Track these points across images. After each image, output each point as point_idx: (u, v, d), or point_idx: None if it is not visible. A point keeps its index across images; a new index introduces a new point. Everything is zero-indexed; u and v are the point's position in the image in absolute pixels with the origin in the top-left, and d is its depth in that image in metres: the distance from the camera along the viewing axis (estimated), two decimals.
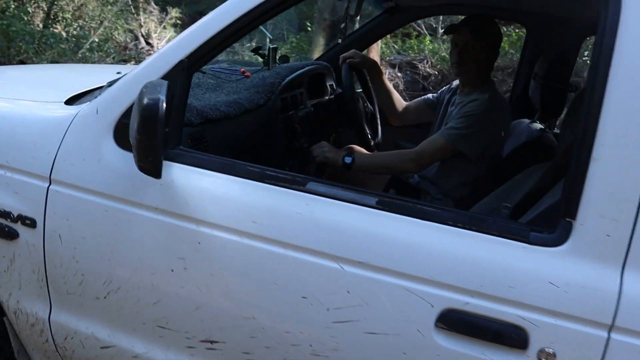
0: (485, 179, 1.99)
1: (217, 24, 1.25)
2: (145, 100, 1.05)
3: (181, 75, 1.23)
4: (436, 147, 1.94)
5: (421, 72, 7.04)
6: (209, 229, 1.21)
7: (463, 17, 2.12)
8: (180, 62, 1.24)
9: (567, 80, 2.02)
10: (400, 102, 2.42)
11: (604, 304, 1.02)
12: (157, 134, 1.06)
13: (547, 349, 1.05)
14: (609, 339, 1.02)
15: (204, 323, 1.27)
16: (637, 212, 1.00)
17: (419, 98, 2.45)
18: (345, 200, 1.15)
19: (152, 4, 9.60)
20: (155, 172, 1.14)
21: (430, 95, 2.41)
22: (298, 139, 2.04)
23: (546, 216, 1.20)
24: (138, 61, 6.96)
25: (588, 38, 2.77)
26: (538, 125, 2.20)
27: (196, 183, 1.23)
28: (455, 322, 1.09)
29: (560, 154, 1.25)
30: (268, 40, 5.39)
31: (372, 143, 2.21)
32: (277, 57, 2.36)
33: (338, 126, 2.32)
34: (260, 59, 2.31)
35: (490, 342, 1.08)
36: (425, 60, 7.22)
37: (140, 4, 9.13)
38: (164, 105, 1.05)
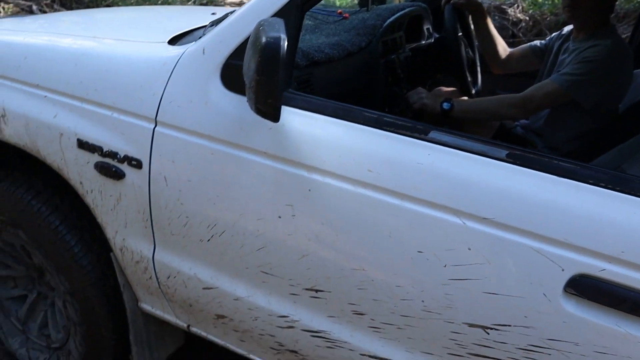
0: (599, 134, 1.82)
1: None
2: (265, 39, 0.98)
3: (295, 12, 1.15)
4: (546, 92, 1.79)
5: (511, 18, 6.52)
6: (320, 176, 1.16)
7: None
8: None
9: None
10: (504, 48, 2.25)
11: None
12: (278, 74, 0.99)
13: None
14: None
15: (309, 271, 1.25)
16: None
17: (525, 45, 2.27)
18: (472, 152, 1.06)
19: None
20: (274, 115, 1.08)
21: (537, 42, 2.22)
22: (398, 85, 1.95)
23: None
24: (217, 4, 6.86)
25: None
26: None
27: (309, 128, 1.18)
28: (587, 288, 1.00)
29: None
30: None
31: (472, 91, 2.08)
32: None
33: (437, 72, 2.21)
34: (356, 0, 2.21)
35: (627, 313, 0.99)
36: (516, 5, 6.68)
37: None
38: (286, 43, 0.98)
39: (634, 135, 1.58)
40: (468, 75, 2.04)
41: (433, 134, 1.09)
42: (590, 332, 1.01)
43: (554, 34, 2.14)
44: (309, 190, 1.18)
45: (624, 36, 2.43)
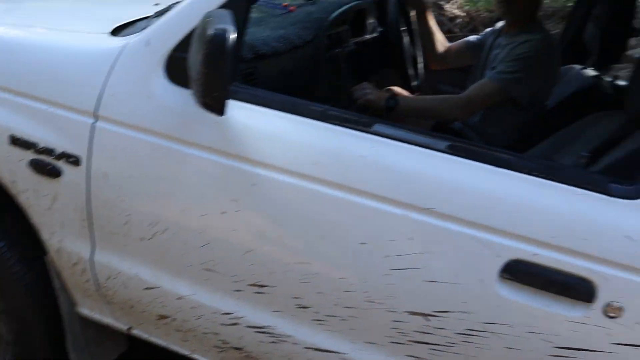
0: (532, 127, 1.92)
1: None
2: (212, 31, 0.98)
3: (242, 4, 1.16)
4: (487, 93, 1.87)
5: (447, 14, 6.72)
6: (265, 170, 1.17)
7: None
8: None
9: (629, 23, 1.92)
10: (443, 44, 2.32)
11: None
12: (225, 67, 1.00)
13: (614, 303, 1.02)
14: None
15: (253, 267, 1.25)
16: None
17: (461, 40, 2.34)
18: (414, 144, 1.11)
19: None
20: (220, 108, 1.08)
21: (472, 37, 2.31)
22: (342, 79, 1.98)
23: (621, 167, 1.15)
24: None
25: None
26: (591, 72, 2.12)
27: (253, 122, 1.18)
28: (521, 272, 1.07)
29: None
30: None
31: (413, 83, 2.14)
32: None
33: (381, 66, 2.25)
34: None
35: (555, 294, 1.06)
36: (453, 1, 6.90)
37: None
38: (233, 36, 0.99)
39: (564, 128, 1.69)
40: (409, 69, 2.11)
41: (376, 127, 1.12)
42: (523, 314, 1.06)
43: (488, 30, 2.23)
44: (254, 184, 1.18)
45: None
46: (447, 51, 2.33)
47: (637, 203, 1.01)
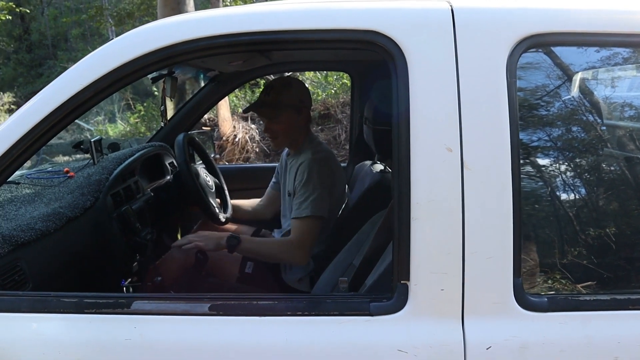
0: (342, 230, 1.98)
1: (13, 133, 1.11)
2: None
3: None
4: (309, 227, 1.88)
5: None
6: None
7: (260, 91, 2.10)
8: None
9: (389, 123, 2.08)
10: (254, 207, 2.40)
11: (454, 357, 1.02)
12: None
13: None
14: None
15: None
16: (463, 262, 1.02)
17: (268, 188, 2.40)
18: (175, 314, 1.05)
19: None
20: None
21: (273, 179, 2.38)
22: (138, 234, 1.87)
23: (386, 278, 1.19)
24: None
25: None
26: (379, 166, 2.26)
27: (3, 332, 1.06)
28: None
29: (386, 212, 1.26)
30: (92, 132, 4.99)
31: (221, 217, 2.12)
32: (106, 147, 2.18)
33: (182, 206, 2.20)
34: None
35: None
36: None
37: None
38: None
39: (362, 226, 1.74)
40: (212, 202, 2.08)
41: (136, 305, 1.06)
42: None
43: (284, 152, 2.32)
44: None
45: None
46: (264, 206, 2.39)
47: (399, 316, 1.03)
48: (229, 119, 6.98)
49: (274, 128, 2.00)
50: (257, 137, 6.95)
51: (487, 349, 1.02)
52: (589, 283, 1.10)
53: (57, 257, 1.51)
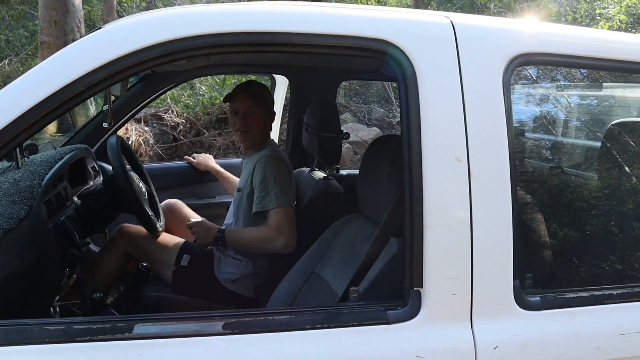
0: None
1: None
2: None
3: None
4: (281, 214, 1.89)
5: (168, 123, 6.84)
6: None
7: (238, 84, 2.12)
8: None
9: (338, 129, 2.10)
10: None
11: (466, 359, 1.05)
12: None
13: None
14: None
15: None
16: (472, 267, 1.06)
17: None
18: (185, 335, 0.97)
19: None
20: None
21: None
22: (77, 246, 1.67)
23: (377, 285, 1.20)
24: None
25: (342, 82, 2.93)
26: (320, 174, 2.25)
27: None
28: None
29: (384, 219, 1.26)
30: None
31: (158, 226, 2.00)
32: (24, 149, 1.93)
33: (116, 214, 2.03)
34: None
35: None
36: (170, 110, 7.03)
37: None
38: None
39: (314, 229, 1.74)
40: (148, 209, 1.95)
41: (138, 329, 0.95)
42: None
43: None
44: None
45: None
46: None
47: (415, 322, 1.04)
48: None
49: (250, 120, 2.03)
50: (152, 141, 6.60)
51: (495, 348, 1.07)
52: (573, 281, 1.20)
53: None
